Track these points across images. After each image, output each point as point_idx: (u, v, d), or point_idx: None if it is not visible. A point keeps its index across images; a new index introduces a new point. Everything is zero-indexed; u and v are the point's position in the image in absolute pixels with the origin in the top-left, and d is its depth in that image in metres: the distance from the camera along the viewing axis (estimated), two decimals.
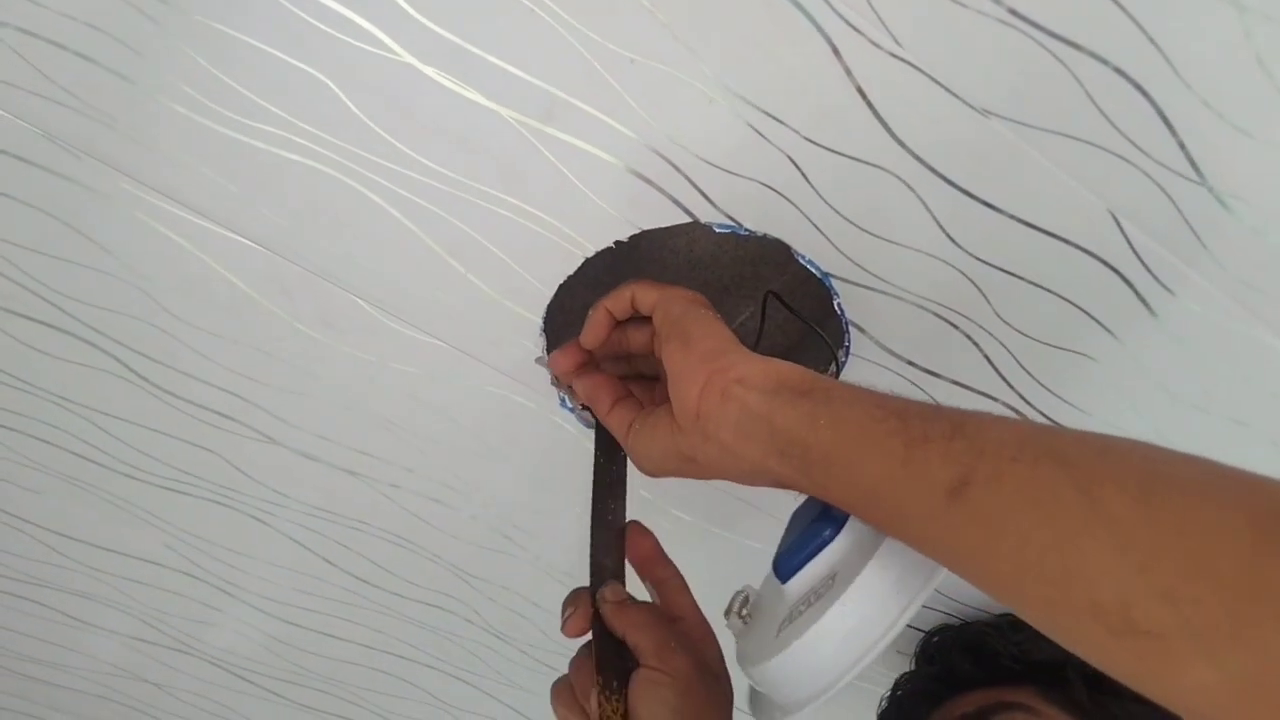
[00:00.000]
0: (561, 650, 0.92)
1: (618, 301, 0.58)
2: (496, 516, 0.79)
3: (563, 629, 0.55)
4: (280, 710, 1.00)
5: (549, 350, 0.69)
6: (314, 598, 0.87)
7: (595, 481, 0.61)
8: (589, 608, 0.55)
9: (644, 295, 0.57)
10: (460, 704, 0.98)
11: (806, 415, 0.45)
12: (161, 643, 0.93)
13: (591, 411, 0.61)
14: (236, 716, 1.01)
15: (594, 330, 0.59)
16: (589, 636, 0.55)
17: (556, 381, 0.70)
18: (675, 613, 0.56)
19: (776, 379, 0.47)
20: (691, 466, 0.51)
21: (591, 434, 0.71)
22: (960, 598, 0.85)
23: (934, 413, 0.42)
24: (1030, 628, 0.80)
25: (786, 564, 0.53)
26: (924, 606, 0.84)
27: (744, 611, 0.57)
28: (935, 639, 0.84)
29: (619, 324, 0.60)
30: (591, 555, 0.59)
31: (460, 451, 0.75)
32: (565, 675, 0.56)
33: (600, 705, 0.50)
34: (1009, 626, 0.81)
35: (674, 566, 0.59)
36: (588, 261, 0.64)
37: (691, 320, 0.52)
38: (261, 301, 0.66)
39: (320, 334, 0.68)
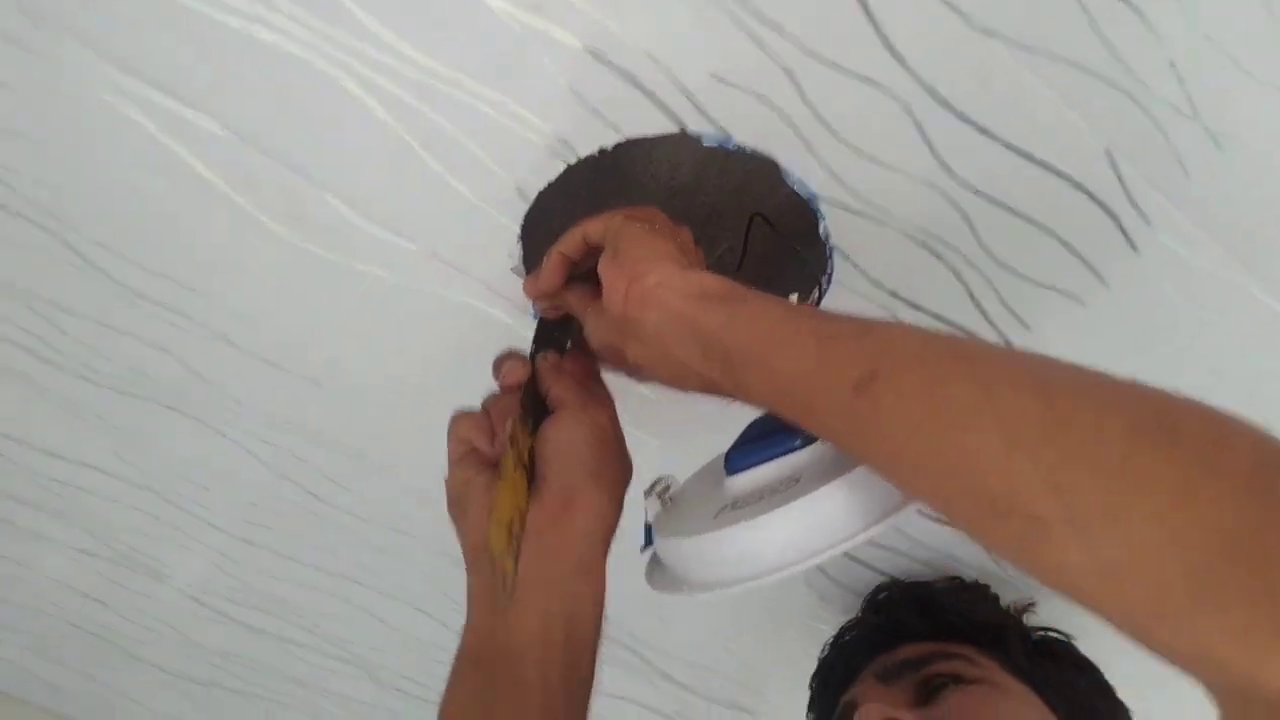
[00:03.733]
0: None
1: (570, 244, 0.58)
2: None
3: (500, 375, 0.58)
4: (226, 631, 0.97)
5: (525, 260, 0.67)
6: (268, 514, 0.85)
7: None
8: (528, 362, 0.59)
9: (593, 227, 0.57)
10: (419, 634, 0.96)
11: (726, 318, 0.47)
12: (106, 556, 0.90)
13: None
14: (180, 636, 0.98)
15: (549, 276, 0.60)
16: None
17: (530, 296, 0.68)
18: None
19: (698, 286, 0.49)
20: (621, 362, 0.55)
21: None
22: (915, 554, 0.85)
23: (845, 316, 0.45)
24: (975, 590, 0.81)
25: (740, 460, 0.55)
26: (876, 547, 0.85)
27: (666, 494, 0.58)
28: (883, 594, 0.85)
29: (575, 262, 0.60)
30: (533, 346, 0.62)
31: (430, 365, 0.73)
32: (469, 409, 0.58)
33: (514, 430, 0.53)
34: (957, 588, 0.82)
35: (606, 388, 0.61)
36: (570, 169, 0.62)
37: (624, 236, 0.53)
38: (227, 191, 0.63)
39: (288, 230, 0.65)
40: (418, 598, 0.92)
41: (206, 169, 0.62)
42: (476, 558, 0.53)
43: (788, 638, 0.94)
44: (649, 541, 0.58)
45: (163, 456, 0.81)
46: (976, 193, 0.61)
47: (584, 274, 0.62)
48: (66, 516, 0.86)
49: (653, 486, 0.58)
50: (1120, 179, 0.60)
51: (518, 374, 0.58)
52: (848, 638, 0.82)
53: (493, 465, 0.55)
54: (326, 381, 0.74)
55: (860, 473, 0.47)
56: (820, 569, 0.87)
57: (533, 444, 0.54)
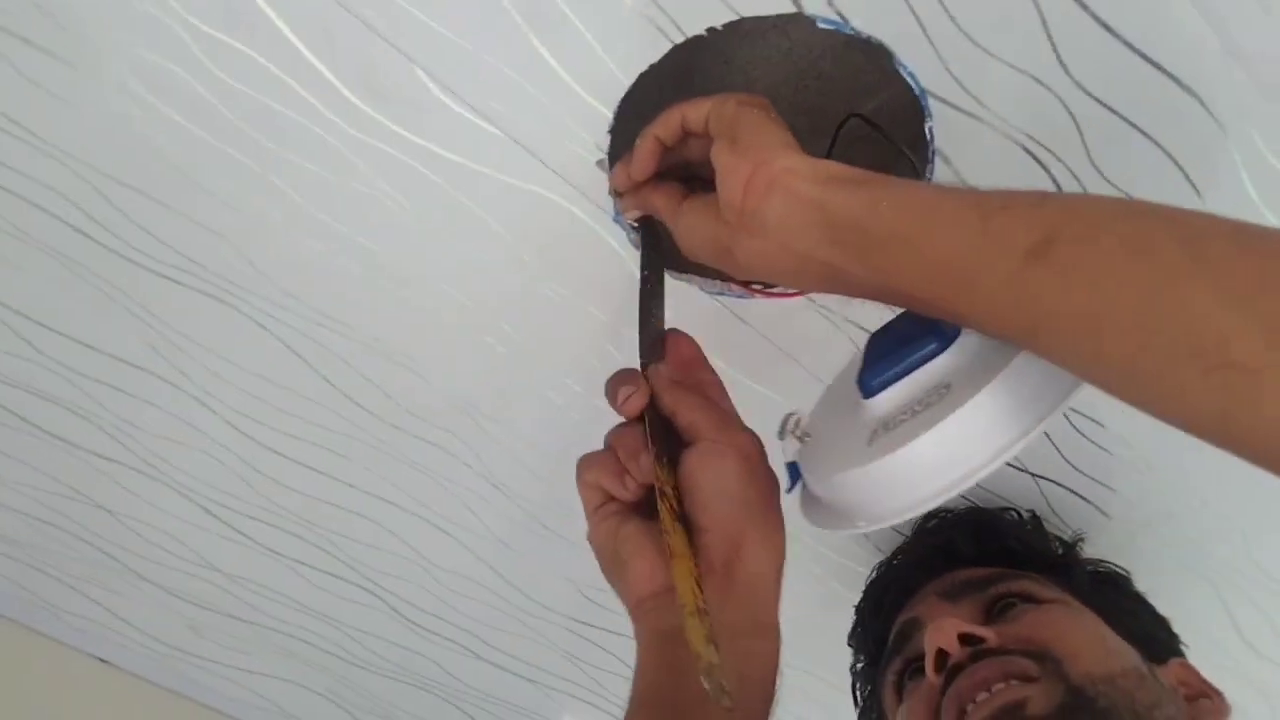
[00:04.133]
0: (558, 512, 0.88)
1: (667, 126, 0.56)
2: (521, 342, 0.74)
3: (620, 405, 0.53)
4: (240, 553, 0.93)
5: (612, 155, 0.64)
6: (303, 423, 0.81)
7: (641, 285, 0.60)
8: (647, 385, 0.54)
9: (694, 111, 0.54)
10: (440, 561, 0.93)
11: (866, 199, 0.44)
12: (126, 461, 0.86)
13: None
14: (190, 554, 0.94)
15: (642, 161, 0.57)
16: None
17: (615, 191, 0.65)
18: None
19: (826, 172, 0.47)
20: (728, 260, 0.51)
21: (637, 257, 0.68)
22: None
23: (1010, 191, 0.42)
24: (1030, 521, 0.79)
25: (876, 379, 0.52)
26: None
27: (799, 431, 0.56)
28: (934, 520, 0.83)
29: (669, 149, 0.57)
30: (640, 348, 0.58)
31: (496, 264, 0.70)
32: (594, 452, 0.55)
33: (659, 478, 0.49)
34: (1012, 519, 0.81)
35: (714, 372, 0.58)
36: (675, 50, 0.59)
37: (742, 121, 0.51)
38: (301, 49, 0.59)
39: (362, 99, 0.62)
40: (447, 520, 0.89)
41: (281, 20, 0.59)
42: (642, 608, 0.51)
43: (816, 580, 0.92)
44: (795, 480, 0.57)
45: (199, 351, 0.77)
46: (1090, 96, 0.59)
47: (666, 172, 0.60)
48: (89, 415, 0.82)
49: (783, 425, 0.56)
50: (1234, 85, 0.58)
51: (638, 402, 0.54)
52: (899, 560, 0.80)
53: (634, 509, 0.53)
54: (385, 276, 0.71)
55: (1016, 365, 0.45)
56: None
57: (675, 480, 0.50)
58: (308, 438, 0.83)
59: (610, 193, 0.66)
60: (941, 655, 0.61)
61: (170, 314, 0.74)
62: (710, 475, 0.50)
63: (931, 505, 0.47)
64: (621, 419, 0.55)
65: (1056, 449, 0.79)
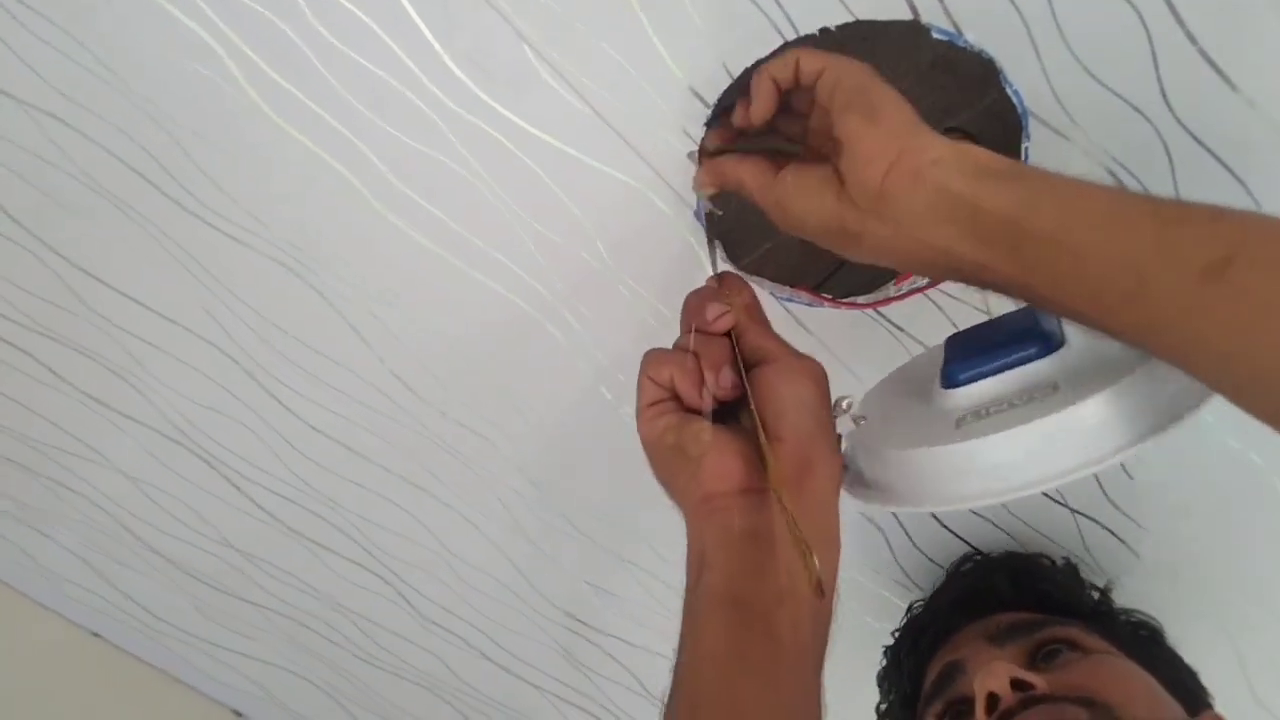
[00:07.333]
0: (591, 513, 0.87)
1: (783, 68, 0.53)
2: (582, 333, 0.73)
3: (712, 321, 0.54)
4: (260, 531, 0.91)
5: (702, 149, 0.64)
6: (348, 401, 0.80)
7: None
8: (737, 305, 0.55)
9: (809, 61, 0.51)
10: (462, 553, 0.91)
11: (1024, 197, 0.43)
12: (156, 425, 0.83)
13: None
14: (209, 528, 0.92)
15: (763, 102, 0.54)
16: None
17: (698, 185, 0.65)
18: None
19: (975, 163, 0.45)
20: (847, 242, 0.49)
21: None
22: (1007, 527, 0.83)
23: (1183, 202, 0.41)
24: (1067, 568, 0.78)
25: (966, 370, 0.53)
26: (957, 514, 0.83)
27: (850, 413, 0.55)
28: (970, 562, 0.83)
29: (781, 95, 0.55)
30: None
31: (570, 250, 0.69)
32: (668, 350, 0.55)
33: (745, 382, 0.51)
34: (1051, 566, 0.81)
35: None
36: (785, 47, 0.59)
37: (878, 92, 0.48)
38: (412, 14, 0.59)
39: (465, 72, 0.61)
40: (477, 512, 0.87)
41: None
42: (712, 504, 0.51)
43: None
44: None
45: (256, 320, 0.75)
46: (1188, 132, 0.60)
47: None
48: (125, 374, 0.80)
49: (835, 405, 0.55)
50: None
51: (728, 321, 0.54)
52: (936, 600, 0.80)
53: (689, 409, 0.53)
54: (458, 255, 0.70)
55: (1140, 374, 0.45)
56: (903, 529, 0.85)
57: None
58: (350, 416, 0.81)
59: (693, 187, 0.65)
60: (992, 699, 0.60)
61: (231, 277, 0.73)
62: (790, 390, 0.51)
63: (1015, 496, 0.47)
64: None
65: (1099, 484, 0.79)
